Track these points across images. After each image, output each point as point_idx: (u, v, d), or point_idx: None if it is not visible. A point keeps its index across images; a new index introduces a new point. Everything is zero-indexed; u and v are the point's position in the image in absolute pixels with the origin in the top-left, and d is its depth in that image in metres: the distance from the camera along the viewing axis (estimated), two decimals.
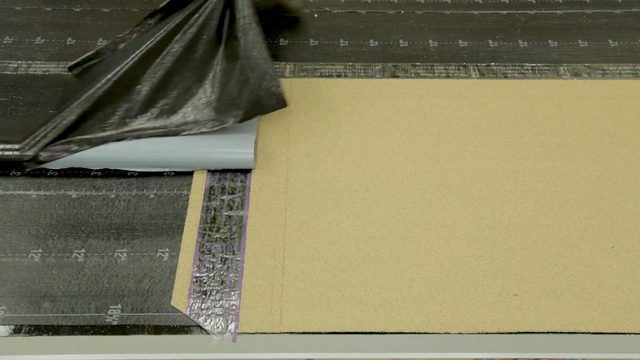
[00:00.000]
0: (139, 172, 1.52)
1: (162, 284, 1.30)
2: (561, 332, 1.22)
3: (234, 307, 1.25)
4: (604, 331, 1.23)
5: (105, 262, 1.33)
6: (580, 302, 1.27)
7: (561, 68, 1.89)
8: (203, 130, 1.49)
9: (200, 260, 1.34)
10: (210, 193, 1.48)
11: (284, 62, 1.89)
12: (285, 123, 1.67)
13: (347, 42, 2.01)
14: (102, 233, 1.39)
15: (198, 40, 1.54)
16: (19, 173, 1.51)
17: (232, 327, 1.22)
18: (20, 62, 1.85)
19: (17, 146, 1.46)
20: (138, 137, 1.49)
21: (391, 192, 1.49)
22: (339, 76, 1.85)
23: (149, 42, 1.52)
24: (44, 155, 1.47)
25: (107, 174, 1.52)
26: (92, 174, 1.52)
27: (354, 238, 1.39)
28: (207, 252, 1.36)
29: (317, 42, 2.00)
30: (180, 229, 1.41)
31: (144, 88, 1.51)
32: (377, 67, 1.89)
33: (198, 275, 1.31)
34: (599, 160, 1.58)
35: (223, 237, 1.39)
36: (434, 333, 1.22)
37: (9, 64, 1.84)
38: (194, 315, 1.24)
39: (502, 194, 1.49)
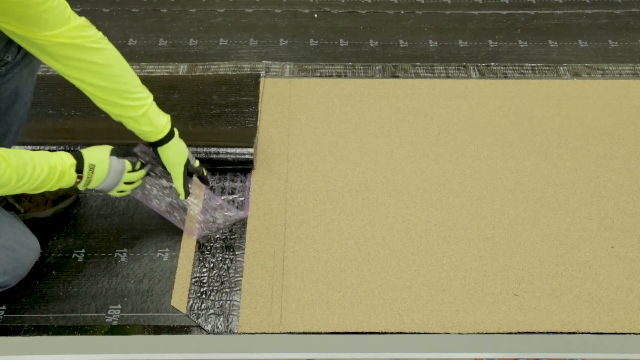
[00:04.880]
0: None
1: (162, 284, 1.30)
2: (561, 332, 1.23)
3: (234, 307, 1.25)
4: (604, 331, 1.23)
5: (105, 262, 1.33)
6: (580, 302, 1.27)
7: (561, 68, 1.89)
8: None
9: (200, 260, 1.34)
10: None
11: (284, 62, 1.89)
12: (285, 123, 1.67)
13: (347, 42, 2.00)
14: (102, 233, 1.39)
15: None
16: None
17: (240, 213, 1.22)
18: None
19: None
20: None
21: (391, 192, 1.49)
22: (339, 76, 1.85)
23: None
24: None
25: None
26: None
27: (353, 238, 1.39)
28: (207, 252, 1.36)
29: (317, 42, 2.00)
30: (180, 229, 1.41)
31: None
32: (377, 67, 1.88)
33: (198, 275, 1.31)
34: (599, 160, 1.58)
35: (223, 237, 1.39)
36: (434, 333, 1.22)
37: None
38: (193, 315, 1.24)
39: (502, 194, 1.49)
